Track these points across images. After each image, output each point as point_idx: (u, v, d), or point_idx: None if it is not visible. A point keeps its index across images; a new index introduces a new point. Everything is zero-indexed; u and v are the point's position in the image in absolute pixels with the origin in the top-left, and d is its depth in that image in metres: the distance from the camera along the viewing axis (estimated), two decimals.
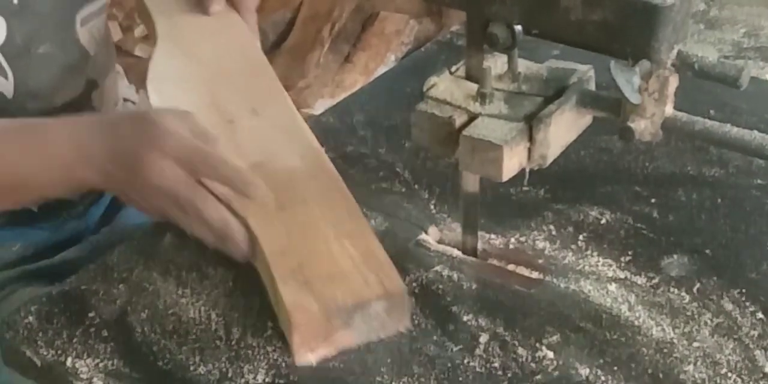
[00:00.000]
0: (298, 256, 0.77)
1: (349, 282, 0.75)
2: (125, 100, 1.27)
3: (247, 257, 0.80)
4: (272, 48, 2.45)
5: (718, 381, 0.71)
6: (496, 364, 0.72)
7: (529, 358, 0.73)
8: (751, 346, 0.73)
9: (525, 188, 0.90)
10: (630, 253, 0.83)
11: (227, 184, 0.79)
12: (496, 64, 0.76)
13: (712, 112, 0.97)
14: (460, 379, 0.71)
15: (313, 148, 0.90)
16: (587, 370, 0.72)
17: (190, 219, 0.79)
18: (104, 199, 1.13)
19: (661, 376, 0.71)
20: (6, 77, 0.96)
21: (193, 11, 1.09)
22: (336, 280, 0.75)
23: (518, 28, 0.70)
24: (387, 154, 0.97)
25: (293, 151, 0.89)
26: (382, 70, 2.30)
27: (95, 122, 0.86)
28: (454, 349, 0.74)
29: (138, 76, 2.22)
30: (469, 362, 0.73)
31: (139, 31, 2.41)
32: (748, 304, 0.77)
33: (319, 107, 2.25)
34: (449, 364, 0.72)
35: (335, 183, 0.85)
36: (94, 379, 0.73)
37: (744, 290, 0.78)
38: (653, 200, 0.89)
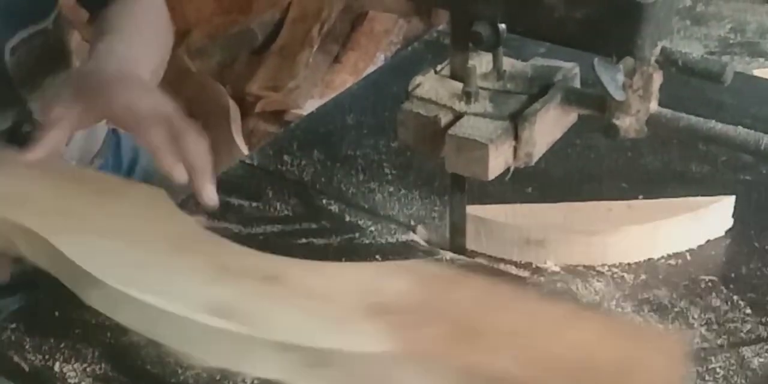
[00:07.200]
0: None
1: None
2: None
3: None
4: (261, 49, 2.45)
5: (707, 377, 0.71)
6: None
7: None
8: (740, 341, 0.74)
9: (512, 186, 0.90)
10: None
11: (193, 159, 0.76)
12: (480, 62, 0.76)
13: (697, 108, 0.97)
14: None
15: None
16: None
17: (168, 147, 0.77)
18: None
19: None
20: None
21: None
22: None
23: (502, 26, 0.70)
24: (374, 153, 0.97)
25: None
26: (371, 69, 2.30)
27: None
28: None
29: None
30: None
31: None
32: (736, 299, 0.77)
33: (309, 108, 2.24)
34: None
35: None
36: None
37: (732, 286, 0.78)
38: (640, 197, 0.89)
